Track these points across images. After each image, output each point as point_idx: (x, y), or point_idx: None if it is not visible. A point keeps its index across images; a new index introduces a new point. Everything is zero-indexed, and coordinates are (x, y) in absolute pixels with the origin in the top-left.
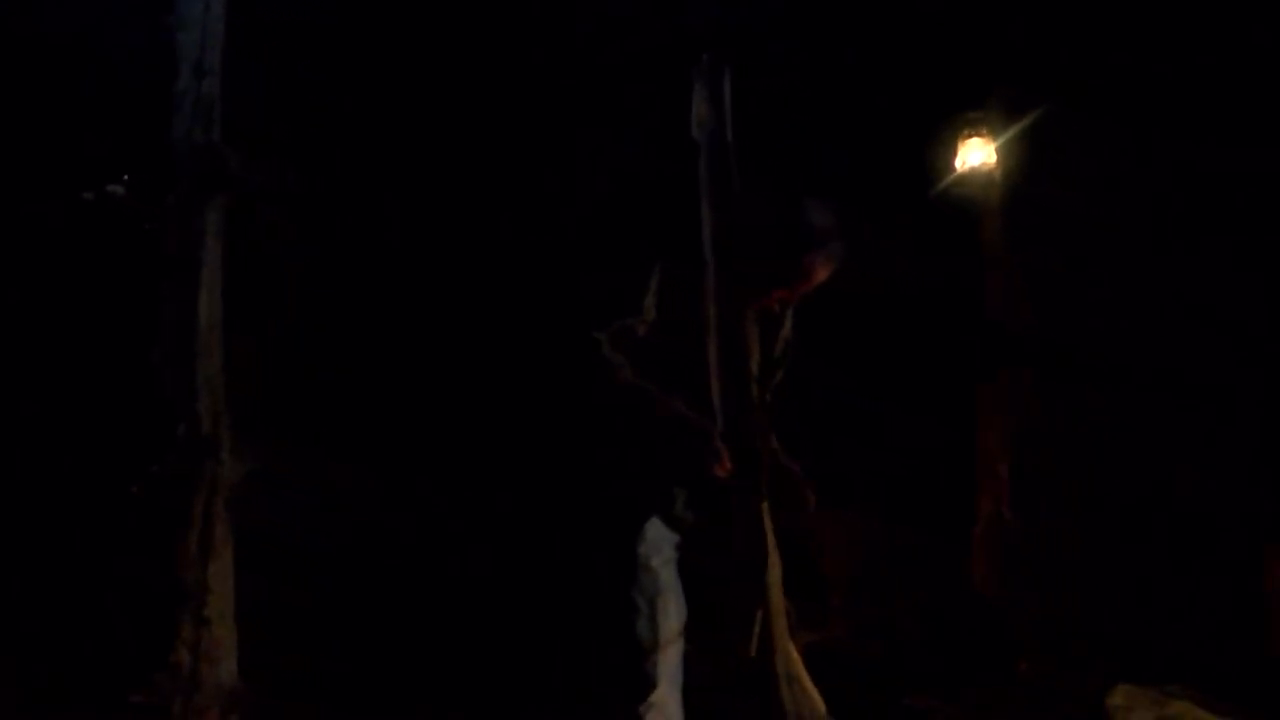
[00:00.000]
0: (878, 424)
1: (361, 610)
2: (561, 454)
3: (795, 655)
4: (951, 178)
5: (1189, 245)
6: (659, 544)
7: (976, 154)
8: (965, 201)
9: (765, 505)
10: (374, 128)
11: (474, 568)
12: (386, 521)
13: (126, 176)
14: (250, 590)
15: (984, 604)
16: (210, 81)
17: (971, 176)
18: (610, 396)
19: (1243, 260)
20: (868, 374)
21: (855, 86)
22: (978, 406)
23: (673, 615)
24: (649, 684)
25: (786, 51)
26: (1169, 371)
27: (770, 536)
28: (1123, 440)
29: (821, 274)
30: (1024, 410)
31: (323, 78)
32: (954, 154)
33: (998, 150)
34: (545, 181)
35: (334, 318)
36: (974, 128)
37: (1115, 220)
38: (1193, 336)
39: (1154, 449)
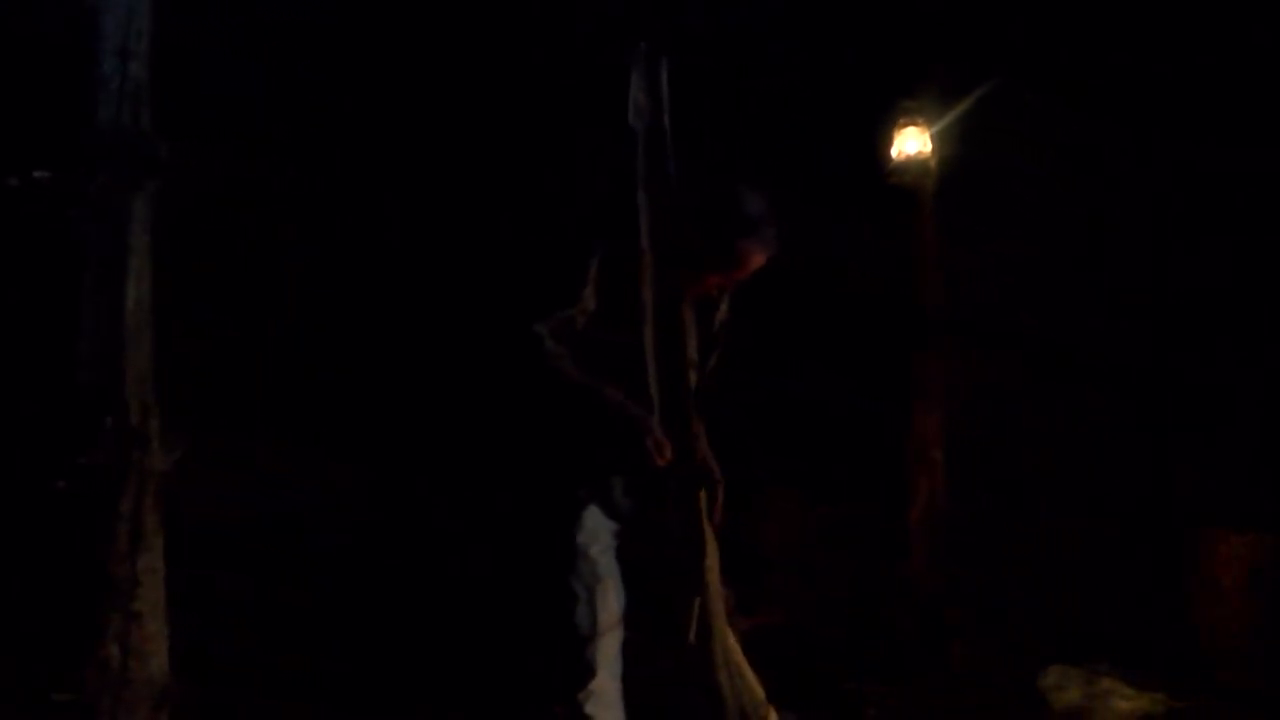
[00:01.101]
0: (816, 408)
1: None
2: (504, 444)
3: (734, 642)
4: (889, 165)
5: (1122, 232)
6: (597, 532)
7: (912, 142)
8: (902, 188)
9: (702, 492)
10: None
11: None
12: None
13: (53, 162)
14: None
15: (920, 587)
16: (137, 65)
17: (908, 164)
18: (549, 386)
19: (1178, 247)
20: (806, 358)
21: (797, 76)
22: (912, 391)
23: (612, 603)
24: (588, 672)
25: (728, 45)
26: (1100, 358)
27: (707, 523)
28: (1054, 426)
29: (757, 260)
30: (958, 395)
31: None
32: (890, 142)
33: (933, 138)
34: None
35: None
36: (909, 116)
37: (1049, 208)
38: (1125, 324)
39: (1083, 435)
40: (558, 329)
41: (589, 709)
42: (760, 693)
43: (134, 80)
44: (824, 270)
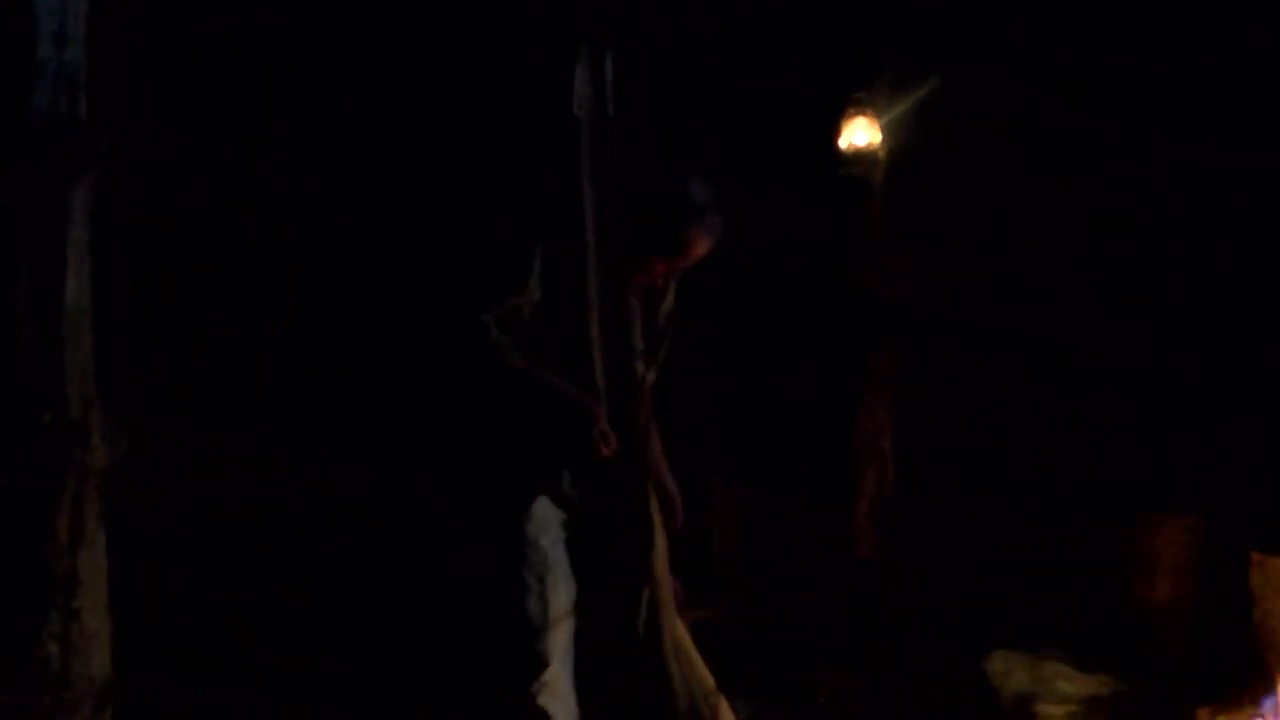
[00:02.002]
0: (765, 398)
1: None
2: (458, 436)
3: (683, 631)
4: (839, 156)
5: (1071, 223)
6: (547, 522)
7: (862, 134)
8: (853, 180)
9: (650, 482)
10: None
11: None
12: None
13: None
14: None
15: (869, 576)
16: (73, 51)
17: (858, 155)
18: (496, 377)
19: (1122, 237)
20: (756, 349)
21: (749, 66)
22: (862, 382)
23: (562, 593)
24: (540, 663)
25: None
26: (1047, 348)
27: (656, 513)
28: (1001, 415)
29: (701, 248)
30: (906, 385)
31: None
32: (841, 133)
33: (883, 129)
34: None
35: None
36: (860, 108)
37: (998, 198)
38: (1071, 314)
39: (1031, 423)
40: (504, 318)
41: (541, 700)
42: (710, 682)
43: (71, 67)
44: (790, 263)
